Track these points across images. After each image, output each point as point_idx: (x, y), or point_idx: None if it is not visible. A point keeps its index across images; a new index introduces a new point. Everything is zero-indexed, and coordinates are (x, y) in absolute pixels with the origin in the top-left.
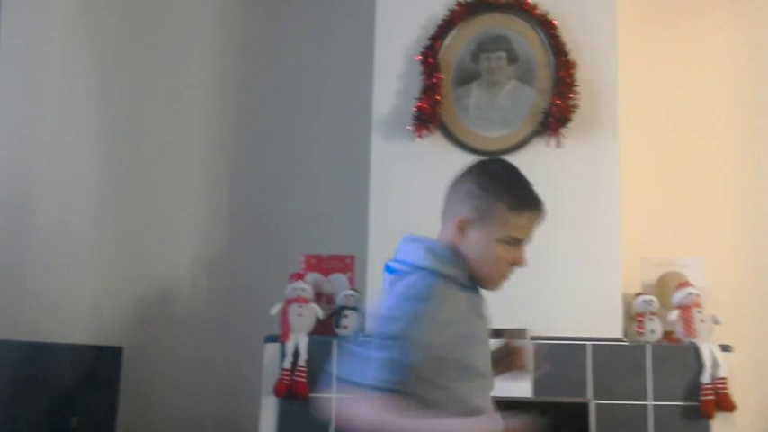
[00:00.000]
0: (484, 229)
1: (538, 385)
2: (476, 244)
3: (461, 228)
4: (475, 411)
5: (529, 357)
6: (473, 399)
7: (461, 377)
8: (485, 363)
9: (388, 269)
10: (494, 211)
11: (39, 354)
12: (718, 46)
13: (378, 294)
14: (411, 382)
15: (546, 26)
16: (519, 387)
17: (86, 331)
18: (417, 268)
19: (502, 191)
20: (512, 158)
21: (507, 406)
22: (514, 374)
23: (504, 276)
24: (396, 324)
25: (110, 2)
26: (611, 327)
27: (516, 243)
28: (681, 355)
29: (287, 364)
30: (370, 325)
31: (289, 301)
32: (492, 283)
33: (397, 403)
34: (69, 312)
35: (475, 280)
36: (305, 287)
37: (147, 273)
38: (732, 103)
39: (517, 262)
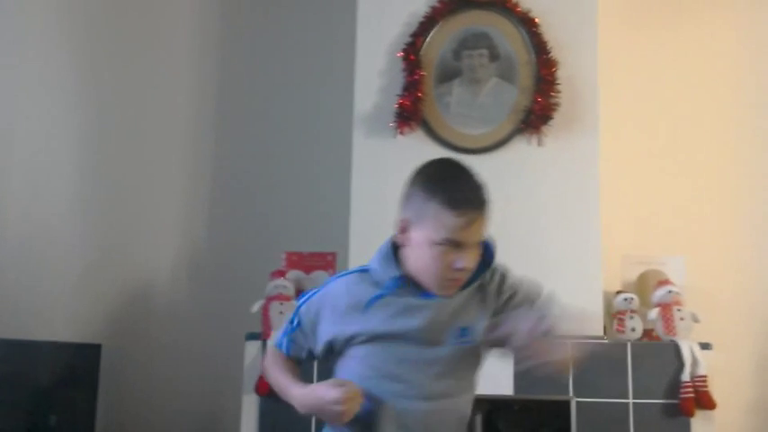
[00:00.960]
0: (420, 230)
1: (519, 383)
2: (414, 245)
3: (402, 228)
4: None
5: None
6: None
7: (355, 365)
8: (398, 365)
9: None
10: (427, 211)
11: (16, 351)
12: (698, 44)
13: None
14: (290, 346)
15: (527, 24)
16: (500, 385)
17: (65, 329)
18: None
19: (436, 189)
20: (493, 156)
21: (490, 404)
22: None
23: (448, 279)
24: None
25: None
26: (591, 324)
27: (455, 245)
28: (661, 353)
29: None
30: None
31: (270, 299)
32: (435, 286)
33: (275, 358)
34: (47, 310)
35: (419, 282)
36: (286, 284)
37: (127, 270)
38: (713, 102)
39: (455, 265)
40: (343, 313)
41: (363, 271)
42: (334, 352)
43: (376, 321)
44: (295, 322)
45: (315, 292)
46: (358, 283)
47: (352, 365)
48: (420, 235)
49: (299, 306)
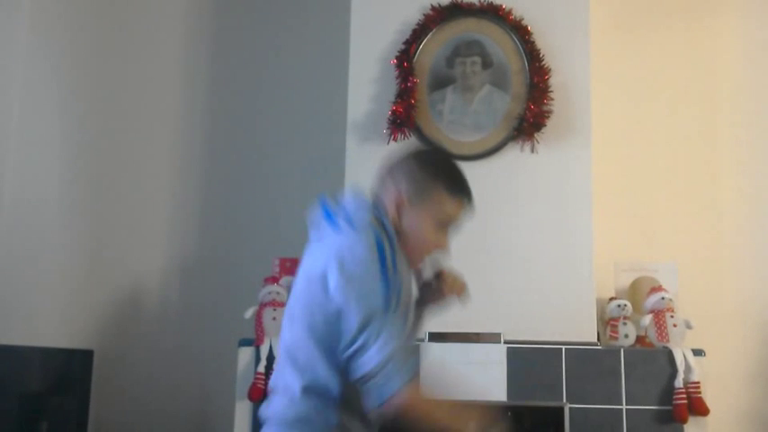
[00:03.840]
0: (420, 208)
1: (512, 389)
2: (410, 222)
3: (399, 205)
4: None
5: (460, 285)
6: None
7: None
8: (402, 333)
9: (328, 215)
10: (432, 192)
11: (8, 357)
12: (691, 52)
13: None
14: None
15: (520, 32)
16: (493, 391)
17: (57, 334)
18: (357, 229)
19: (442, 174)
20: (486, 163)
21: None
22: (445, 302)
23: (424, 257)
24: (365, 314)
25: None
26: (585, 331)
27: (446, 227)
28: (654, 360)
29: (261, 369)
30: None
31: (263, 305)
32: (414, 260)
33: (419, 395)
34: (39, 316)
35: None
36: (279, 290)
37: (119, 276)
38: (706, 109)
39: (441, 246)
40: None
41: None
42: None
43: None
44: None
45: (393, 277)
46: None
47: None
48: (420, 212)
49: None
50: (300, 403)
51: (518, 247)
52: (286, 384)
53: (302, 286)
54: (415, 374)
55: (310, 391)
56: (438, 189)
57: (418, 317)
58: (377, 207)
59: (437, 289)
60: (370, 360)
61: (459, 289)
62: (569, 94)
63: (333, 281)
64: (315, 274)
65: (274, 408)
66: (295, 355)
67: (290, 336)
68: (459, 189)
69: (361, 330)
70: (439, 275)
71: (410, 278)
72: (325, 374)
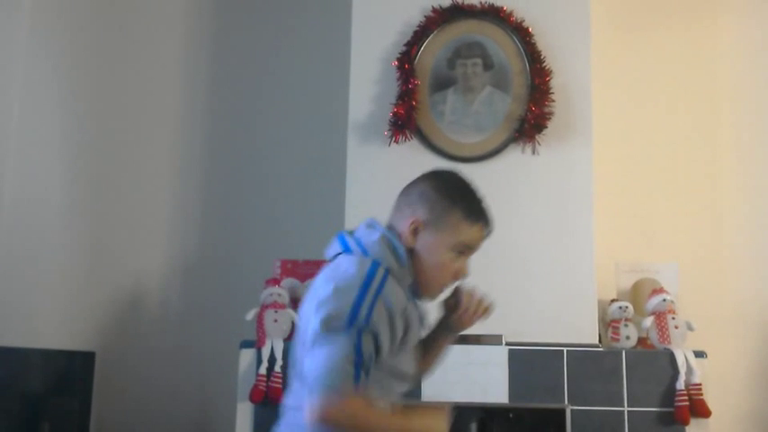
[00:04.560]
0: (437, 233)
1: (514, 391)
2: (426, 248)
3: (415, 229)
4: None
5: (483, 308)
6: (391, 397)
7: (387, 375)
8: (410, 366)
9: (342, 240)
10: (449, 218)
11: (9, 359)
12: (692, 52)
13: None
14: (364, 379)
15: (521, 33)
16: (495, 393)
17: (58, 336)
18: (366, 254)
19: (459, 198)
20: (487, 165)
21: (484, 412)
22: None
23: (443, 286)
24: (335, 311)
25: (79, 0)
26: (586, 333)
27: (464, 253)
28: (655, 362)
29: (263, 370)
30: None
31: (264, 307)
32: (431, 290)
33: (360, 402)
34: (41, 317)
35: (415, 286)
36: (281, 292)
37: (120, 277)
38: (707, 109)
39: (460, 273)
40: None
41: (383, 268)
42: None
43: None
44: (362, 355)
45: (373, 300)
46: (398, 288)
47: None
48: (435, 237)
49: (361, 322)
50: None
51: (519, 249)
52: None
53: (306, 308)
54: (361, 392)
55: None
56: (456, 215)
57: (434, 347)
58: (391, 233)
59: (456, 313)
60: (313, 359)
61: (483, 311)
62: (570, 96)
63: (325, 287)
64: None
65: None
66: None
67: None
68: (478, 214)
69: (323, 324)
70: (457, 300)
71: (416, 312)
72: None
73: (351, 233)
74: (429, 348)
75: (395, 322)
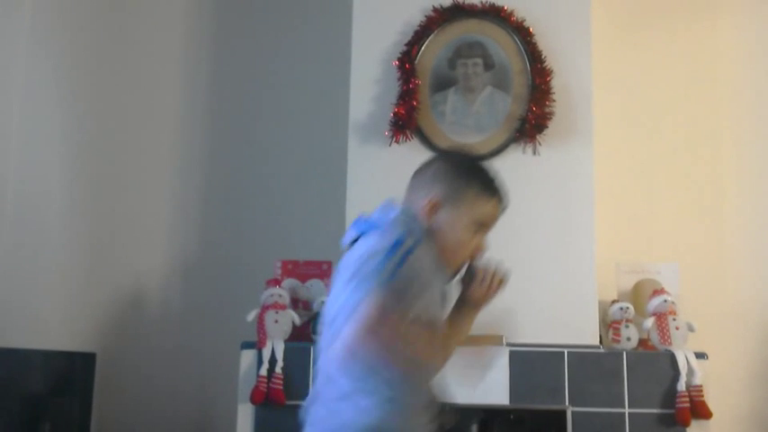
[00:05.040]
0: (454, 210)
1: (515, 392)
2: (445, 225)
3: (433, 208)
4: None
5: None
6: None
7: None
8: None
9: (359, 225)
10: (465, 194)
11: (10, 360)
12: (692, 52)
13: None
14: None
15: (522, 33)
16: (495, 395)
17: (59, 337)
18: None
19: (474, 175)
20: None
21: (485, 413)
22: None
23: (462, 263)
24: (370, 268)
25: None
26: (587, 334)
27: (481, 229)
28: (656, 363)
29: (263, 371)
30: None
31: (265, 308)
32: (450, 267)
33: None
34: (42, 318)
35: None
36: (281, 293)
37: (121, 278)
38: (707, 109)
39: (479, 249)
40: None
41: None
42: None
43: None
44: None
45: (403, 256)
46: (429, 256)
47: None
48: (453, 215)
49: (401, 254)
50: (375, 408)
51: (520, 249)
52: (353, 390)
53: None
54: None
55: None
56: (472, 190)
57: (456, 326)
58: (407, 212)
59: (472, 288)
60: (347, 302)
61: (499, 283)
62: (571, 96)
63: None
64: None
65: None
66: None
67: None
68: (493, 189)
69: (353, 275)
70: (472, 275)
71: (442, 287)
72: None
73: (366, 218)
74: (452, 327)
75: (425, 284)
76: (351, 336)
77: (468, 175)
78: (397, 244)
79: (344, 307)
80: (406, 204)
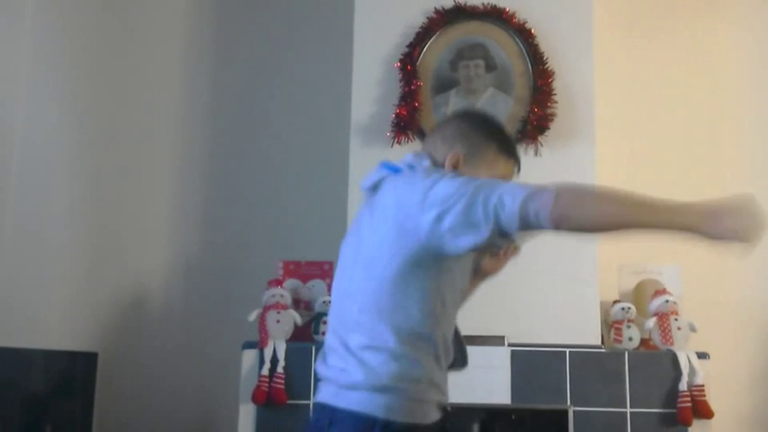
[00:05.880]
0: (475, 167)
1: (516, 392)
2: None
3: (454, 164)
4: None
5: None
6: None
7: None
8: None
9: (388, 167)
10: (486, 151)
11: (12, 359)
12: (694, 52)
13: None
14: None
15: (523, 35)
16: (497, 394)
17: (61, 337)
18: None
19: (494, 133)
20: None
21: (486, 413)
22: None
23: None
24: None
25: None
26: (589, 334)
27: None
28: (658, 363)
29: (265, 371)
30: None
31: (267, 308)
32: None
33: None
34: (44, 317)
35: None
36: (283, 293)
37: (123, 278)
38: (709, 111)
39: None
40: None
41: None
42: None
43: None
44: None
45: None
46: None
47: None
48: (475, 172)
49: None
50: (399, 358)
51: (522, 250)
52: (372, 341)
53: (365, 234)
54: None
55: (405, 337)
56: (492, 148)
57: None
58: (436, 167)
59: (486, 256)
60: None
61: (514, 250)
62: (573, 97)
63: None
64: (381, 207)
65: (359, 373)
66: (378, 305)
67: (362, 292)
68: (511, 149)
69: (448, 190)
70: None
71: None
72: (416, 314)
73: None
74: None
75: None
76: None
77: (488, 133)
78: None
79: (411, 233)
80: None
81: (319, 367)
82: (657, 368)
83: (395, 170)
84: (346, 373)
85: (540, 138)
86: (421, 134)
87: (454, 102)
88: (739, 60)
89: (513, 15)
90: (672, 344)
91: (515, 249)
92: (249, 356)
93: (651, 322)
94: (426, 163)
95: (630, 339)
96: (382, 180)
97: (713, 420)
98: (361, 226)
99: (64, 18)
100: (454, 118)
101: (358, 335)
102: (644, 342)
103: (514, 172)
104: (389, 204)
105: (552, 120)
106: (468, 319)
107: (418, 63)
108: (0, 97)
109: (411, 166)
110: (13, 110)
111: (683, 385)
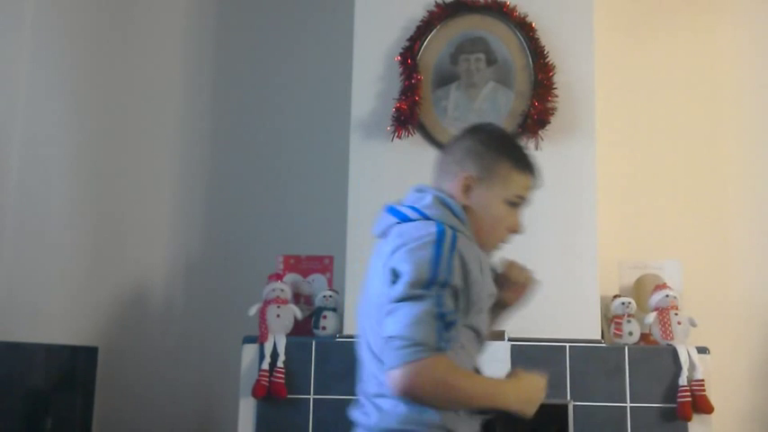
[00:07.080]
0: (489, 187)
1: None
2: (480, 203)
3: (467, 186)
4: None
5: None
6: (473, 361)
7: (468, 333)
8: (485, 327)
9: (394, 212)
10: (499, 169)
11: (13, 354)
12: (695, 49)
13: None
14: (448, 342)
15: (524, 29)
16: None
17: (62, 331)
18: (426, 218)
19: (506, 149)
20: None
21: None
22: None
23: (500, 241)
24: (415, 272)
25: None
26: (589, 329)
27: (517, 204)
28: (658, 358)
29: (265, 366)
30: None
31: (267, 302)
32: (488, 246)
33: (449, 366)
34: (44, 312)
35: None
36: (283, 288)
37: (123, 272)
38: (710, 106)
39: (515, 227)
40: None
41: (448, 226)
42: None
43: (491, 286)
44: (445, 310)
45: (449, 258)
46: (471, 243)
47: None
48: (488, 192)
49: (441, 279)
50: (409, 402)
51: (522, 245)
52: (381, 390)
53: (373, 285)
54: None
55: None
56: (505, 165)
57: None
58: (442, 193)
59: (508, 283)
60: (395, 319)
61: (528, 280)
62: (574, 92)
63: (395, 256)
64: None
65: (374, 416)
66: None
67: (375, 344)
68: (526, 163)
69: (406, 288)
70: (501, 276)
71: (488, 271)
72: None
73: (399, 204)
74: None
75: (473, 277)
76: (400, 381)
77: (499, 149)
78: (439, 243)
79: (390, 314)
80: (438, 184)
81: (353, 412)
82: (657, 363)
83: (400, 216)
84: (366, 416)
85: (540, 132)
86: (421, 128)
87: (455, 95)
88: (741, 55)
89: (513, 9)
90: (672, 339)
91: (529, 278)
92: (249, 351)
93: (651, 317)
94: (428, 199)
95: (630, 334)
96: (390, 228)
97: (713, 415)
98: (374, 282)
99: (64, 18)
100: (463, 136)
101: (372, 384)
102: (644, 337)
103: (532, 185)
104: (380, 281)
105: (553, 114)
106: None
107: (419, 57)
108: (0, 97)
109: (413, 208)
110: (13, 110)
111: (682, 380)
